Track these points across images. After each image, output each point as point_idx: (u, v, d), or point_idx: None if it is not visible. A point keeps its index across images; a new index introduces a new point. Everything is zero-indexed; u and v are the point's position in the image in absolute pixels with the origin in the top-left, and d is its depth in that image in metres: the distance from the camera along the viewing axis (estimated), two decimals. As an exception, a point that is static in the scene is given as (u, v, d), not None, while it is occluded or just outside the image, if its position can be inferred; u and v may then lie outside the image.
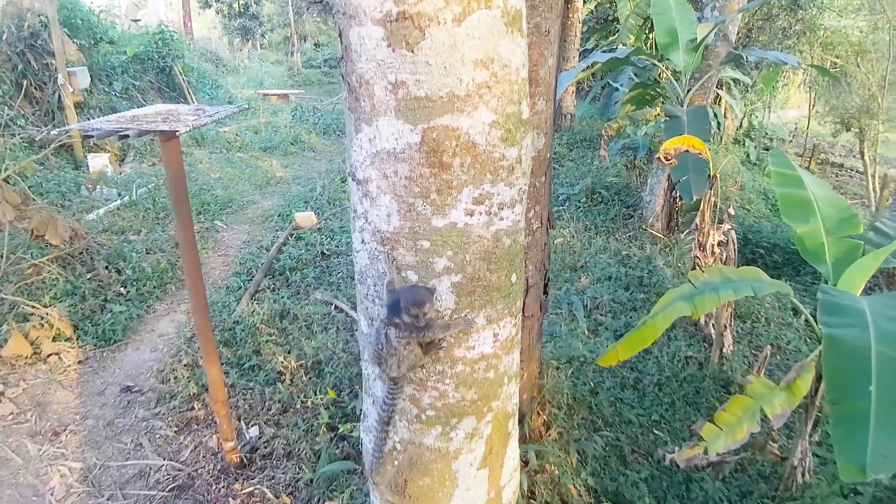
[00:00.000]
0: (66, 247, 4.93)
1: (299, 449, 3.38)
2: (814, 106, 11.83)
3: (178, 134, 2.55)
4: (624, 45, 8.85)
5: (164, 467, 3.33)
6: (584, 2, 11.12)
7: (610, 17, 11.96)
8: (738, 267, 3.14)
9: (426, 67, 1.18)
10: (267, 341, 4.32)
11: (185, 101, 11.06)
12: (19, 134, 7.32)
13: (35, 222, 4.40)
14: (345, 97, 1.34)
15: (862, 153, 9.58)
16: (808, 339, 4.66)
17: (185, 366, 4.11)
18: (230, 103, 11.78)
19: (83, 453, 3.43)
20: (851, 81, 9.79)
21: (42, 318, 4.29)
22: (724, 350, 4.15)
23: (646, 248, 6.22)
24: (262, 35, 23.96)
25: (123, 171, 8.22)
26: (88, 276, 4.91)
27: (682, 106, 5.96)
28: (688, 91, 6.03)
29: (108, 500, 3.13)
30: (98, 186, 7.02)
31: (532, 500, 2.88)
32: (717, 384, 4.00)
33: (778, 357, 4.36)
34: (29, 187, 5.51)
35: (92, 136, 2.48)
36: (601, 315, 4.93)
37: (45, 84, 8.09)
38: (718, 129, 9.61)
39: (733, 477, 3.15)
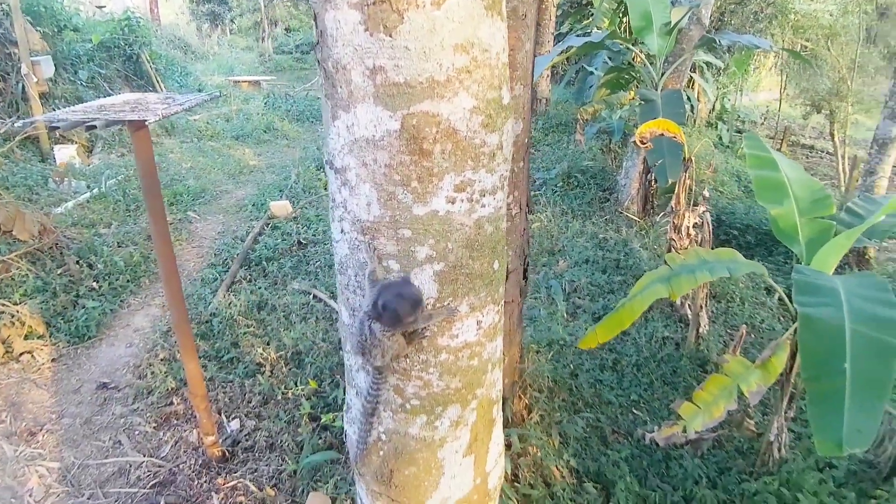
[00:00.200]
0: (34, 242, 4.80)
1: (282, 440, 3.36)
2: (785, 89, 12.01)
3: (147, 123, 2.48)
4: (598, 28, 8.85)
5: (144, 464, 3.28)
6: (559, -15, 11.09)
7: (584, 1, 11.94)
8: (713, 248, 3.19)
9: (405, 52, 1.15)
10: (245, 333, 4.27)
11: (153, 89, 10.78)
12: (-19, 126, 7.07)
13: (1, 217, 4.28)
14: (321, 83, 1.31)
15: (832, 135, 9.77)
16: (781, 318, 4.76)
17: (162, 360, 4.05)
18: (200, 91, 11.54)
19: (61, 453, 3.37)
20: (822, 64, 9.95)
21: (13, 316, 4.17)
22: (701, 330, 4.23)
23: (622, 231, 6.28)
24: (232, 20, 23.38)
25: (92, 162, 8.01)
26: (59, 271, 4.78)
27: (656, 90, 5.99)
28: (662, 75, 6.07)
29: (88, 499, 3.08)
30: (66, 179, 6.83)
31: (515, 483, 2.91)
32: (694, 364, 4.07)
33: (753, 336, 4.45)
34: (-7, 181, 5.34)
35: (58, 128, 2.40)
36: (579, 298, 4.97)
37: (8, 74, 7.82)
38: (692, 112, 9.70)
39: (711, 454, 3.22)
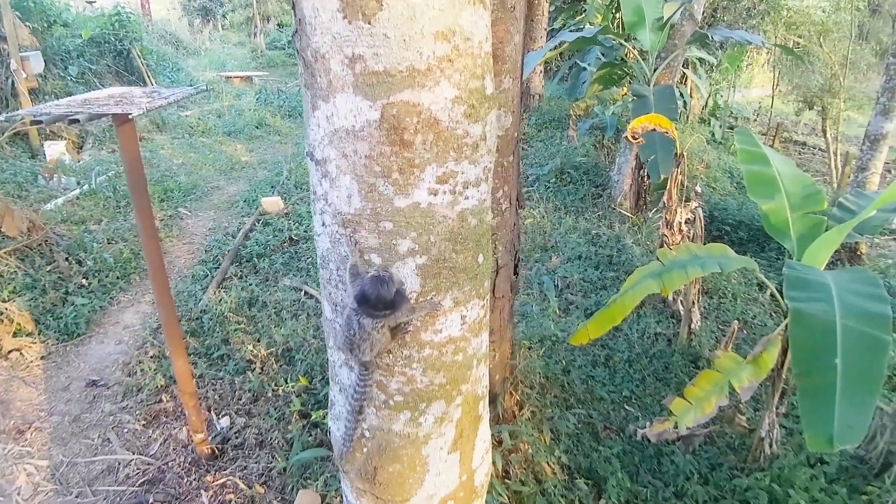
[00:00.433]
0: (23, 239, 4.76)
1: (271, 438, 3.34)
2: (777, 85, 12.02)
3: (131, 117, 2.45)
4: (591, 24, 8.85)
5: (133, 461, 3.26)
6: (552, -20, 11.05)
7: (577, -3, 11.91)
8: (705, 244, 3.17)
9: (384, 40, 1.13)
10: (235, 330, 4.24)
11: (144, 84, 10.70)
12: (-31, 122, 7.01)
13: (-11, 214, 4.23)
14: (300, 73, 1.29)
15: (824, 131, 9.79)
16: (773, 314, 4.76)
17: (151, 357, 4.01)
18: (191, 86, 11.45)
19: (49, 451, 3.34)
20: (814, 61, 9.96)
21: (1, 314, 4.13)
22: (693, 326, 4.22)
23: (615, 226, 6.27)
24: (224, 16, 23.23)
25: (82, 158, 7.95)
26: (48, 268, 4.74)
27: (649, 85, 5.98)
28: (655, 70, 6.05)
29: (76, 497, 3.05)
30: (56, 175, 6.78)
31: (507, 480, 2.90)
32: (685, 359, 4.07)
33: (744, 331, 4.45)
34: (-20, 177, 5.29)
35: (41, 122, 2.36)
36: (572, 294, 4.96)
37: (-3, 70, 7.77)
38: (685, 108, 9.69)
39: (703, 449, 3.21)
